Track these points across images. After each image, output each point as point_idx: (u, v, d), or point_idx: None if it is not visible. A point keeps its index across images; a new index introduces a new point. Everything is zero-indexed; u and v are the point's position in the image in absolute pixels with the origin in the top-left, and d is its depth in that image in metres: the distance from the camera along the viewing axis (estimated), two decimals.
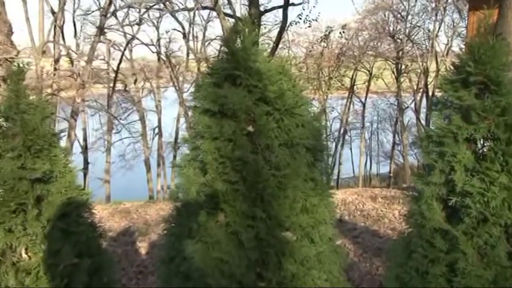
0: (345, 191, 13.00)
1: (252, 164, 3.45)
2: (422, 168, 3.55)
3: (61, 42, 19.96)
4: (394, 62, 24.58)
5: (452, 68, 3.44)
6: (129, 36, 24.61)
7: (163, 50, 25.52)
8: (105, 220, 10.42)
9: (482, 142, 3.30)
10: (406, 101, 26.52)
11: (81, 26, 25.48)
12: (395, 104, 27.08)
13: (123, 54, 24.88)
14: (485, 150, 3.27)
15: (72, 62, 20.52)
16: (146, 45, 25.08)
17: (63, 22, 19.43)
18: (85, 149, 22.94)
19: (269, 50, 4.09)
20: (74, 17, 23.04)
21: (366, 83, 26.78)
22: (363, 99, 26.96)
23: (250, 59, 3.56)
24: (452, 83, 3.37)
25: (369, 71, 26.05)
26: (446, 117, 3.46)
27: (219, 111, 3.59)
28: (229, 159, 3.50)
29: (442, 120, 3.41)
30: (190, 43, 25.11)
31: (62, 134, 4.11)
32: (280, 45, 18.42)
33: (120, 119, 26.53)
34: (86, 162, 22.06)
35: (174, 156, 24.77)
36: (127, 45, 24.95)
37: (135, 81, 26.37)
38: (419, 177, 3.46)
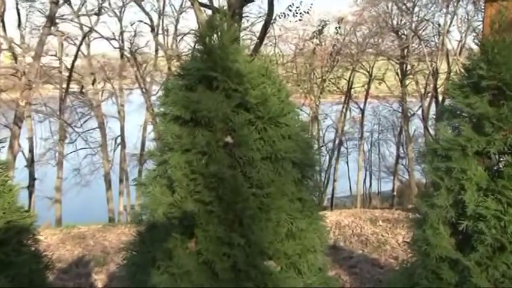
0: (340, 212, 13.07)
1: (229, 181, 3.47)
2: (428, 187, 3.61)
3: (1, 33, 19.72)
4: (398, 62, 24.79)
5: (462, 70, 3.50)
6: (86, 29, 24.47)
7: (127, 45, 25.47)
8: (54, 248, 10.28)
9: (497, 157, 3.34)
10: (412, 107, 26.74)
11: (27, 15, 25.07)
12: (400, 110, 27.30)
13: (78, 49, 24.65)
14: (501, 166, 3.31)
15: (15, 57, 20.19)
16: (107, 39, 25.00)
17: (4, 9, 19.10)
18: (31, 162, 22.57)
19: (252, 48, 4.15)
20: (17, 3, 22.68)
21: (365, 86, 26.97)
22: (362, 105, 27.13)
23: (228, 58, 3.59)
24: (462, 88, 3.42)
25: (368, 72, 26.25)
26: (454, 127, 3.51)
27: (191, 119, 3.61)
28: (202, 176, 3.51)
29: (450, 131, 3.47)
30: (160, 37, 25.12)
31: (1, 145, 4.08)
32: (265, 42, 18.57)
33: (75, 126, 26.31)
34: (32, 178, 21.72)
35: (140, 172, 24.59)
36: (83, 38, 24.75)
37: (94, 81, 26.18)
38: (424, 197, 3.50)
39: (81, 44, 24.97)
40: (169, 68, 24.22)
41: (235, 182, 3.45)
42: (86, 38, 25.29)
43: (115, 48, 26.28)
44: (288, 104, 3.88)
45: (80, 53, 25.19)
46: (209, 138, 3.54)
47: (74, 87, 26.36)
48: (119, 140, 27.24)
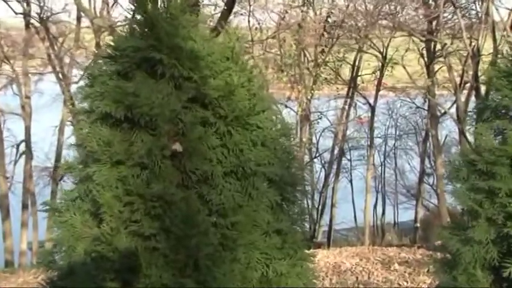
0: (339, 250, 13.11)
1: (179, 205, 3.52)
2: (461, 216, 3.71)
3: None
4: (423, 39, 24.90)
5: (510, 51, 3.59)
6: None
7: (35, 9, 25.16)
8: None
9: None
10: (442, 103, 26.80)
11: None
12: (425, 108, 27.38)
13: None
14: None
15: None
16: (5, 1, 24.71)
17: None
18: None
19: (215, 19, 4.23)
20: None
21: (377, 74, 26.97)
22: (372, 100, 27.16)
23: (179, 33, 3.64)
24: (509, 76, 3.51)
25: (381, 53, 26.24)
26: (499, 132, 3.60)
27: (126, 119, 3.66)
28: (141, 198, 3.56)
29: (492, 136, 3.57)
30: (85, 1, 24.90)
31: None
32: (234, 10, 18.60)
33: None
34: None
35: (53, 193, 24.35)
36: None
37: None
38: (455, 229, 3.59)
39: None
40: (97, 45, 24.05)
41: (187, 207, 3.50)
42: None
43: (16, 14, 25.93)
44: (262, 98, 3.95)
45: None
46: (151, 145, 3.60)
47: None
48: (22, 148, 26.90)
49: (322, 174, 27.99)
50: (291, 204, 3.93)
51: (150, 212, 3.58)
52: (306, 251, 4.03)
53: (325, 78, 26.10)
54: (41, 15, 26.35)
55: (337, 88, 28.30)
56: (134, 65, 3.73)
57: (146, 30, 3.73)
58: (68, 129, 26.17)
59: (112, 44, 3.94)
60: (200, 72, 3.68)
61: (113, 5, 26.94)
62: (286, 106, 23.64)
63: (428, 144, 29.26)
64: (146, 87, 3.65)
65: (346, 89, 27.94)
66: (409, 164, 32.98)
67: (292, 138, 4.24)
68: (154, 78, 3.70)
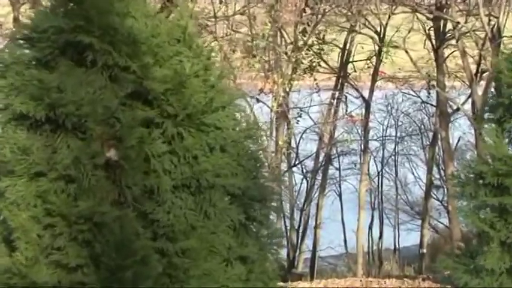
0: (325, 283, 13.17)
1: (112, 228, 3.52)
2: (469, 239, 3.76)
3: None
4: (430, 17, 24.93)
5: None
6: None
7: None
8: None
9: None
10: (455, 96, 26.84)
11: None
12: (433, 103, 27.39)
13: None
14: None
15: None
16: None
17: None
18: None
19: None
20: None
21: (372, 60, 26.96)
22: (366, 94, 27.05)
23: (114, 10, 3.65)
24: None
25: (378, 34, 26.27)
26: None
27: (47, 120, 3.66)
28: (65, 220, 3.55)
29: (505, 141, 3.63)
30: None
31: None
32: None
33: None
34: None
35: None
36: None
37: None
38: (461, 257, 3.65)
39: None
40: (15, 21, 23.89)
41: (122, 230, 3.51)
42: None
43: None
44: (223, 91, 3.96)
45: None
46: (79, 152, 3.60)
47: None
48: None
49: (304, 187, 27.82)
50: (259, 224, 3.94)
51: (76, 237, 3.57)
52: (281, 284, 4.05)
53: (308, 66, 25.98)
54: None
55: (324, 78, 28.23)
56: (57, 50, 3.72)
57: (72, 5, 3.72)
58: None
59: (30, 23, 3.90)
60: (141, 60, 3.68)
61: None
62: (258, 100, 23.35)
63: (437, 149, 29.27)
64: (73, 79, 3.65)
65: (334, 79, 27.95)
66: (413, 173, 32.65)
67: (260, 141, 4.23)
68: (82, 67, 3.70)
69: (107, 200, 3.61)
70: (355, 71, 27.70)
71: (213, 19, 21.97)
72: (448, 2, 24.63)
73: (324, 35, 25.61)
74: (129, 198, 3.64)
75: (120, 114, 3.67)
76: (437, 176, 29.24)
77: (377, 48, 26.83)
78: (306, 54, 25.36)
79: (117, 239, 3.52)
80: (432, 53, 26.19)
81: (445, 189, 27.43)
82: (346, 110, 28.79)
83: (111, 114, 3.66)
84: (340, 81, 26.87)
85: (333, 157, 28.98)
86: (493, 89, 20.28)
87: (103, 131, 3.66)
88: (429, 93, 27.47)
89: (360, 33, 26.67)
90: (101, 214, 3.53)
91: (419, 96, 29.28)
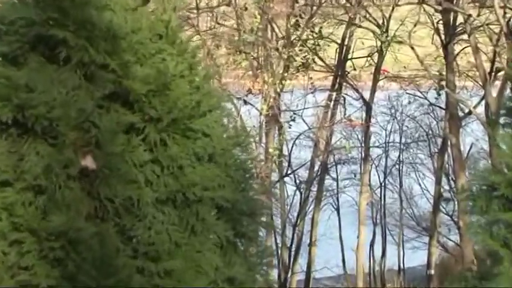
0: None
1: (89, 245, 3.53)
2: (481, 259, 3.80)
3: None
4: (438, 9, 24.96)
5: None
6: None
7: None
8: None
9: None
10: (467, 98, 26.85)
11: None
12: (442, 105, 27.44)
13: None
14: None
15: None
16: None
17: None
18: None
19: None
20: None
21: (373, 57, 27.04)
22: (367, 95, 27.06)
23: (90, 1, 3.66)
24: None
25: (380, 27, 26.40)
26: None
27: (15, 123, 3.67)
28: (34, 235, 3.55)
29: None
30: None
31: None
32: None
33: None
34: None
35: None
36: None
37: None
38: (468, 280, 3.68)
39: None
40: None
41: (101, 247, 3.52)
42: None
43: None
44: (210, 93, 3.99)
45: None
46: (50, 160, 3.61)
47: None
48: None
49: (297, 200, 27.78)
50: (248, 241, 3.95)
51: (47, 255, 3.57)
52: None
53: (302, 63, 25.81)
54: None
55: (320, 77, 28.13)
56: (27, 45, 3.73)
57: None
58: None
59: None
60: (121, 58, 3.69)
61: None
62: (245, 102, 23.25)
63: (446, 157, 29.28)
64: (44, 77, 3.65)
65: (331, 79, 27.94)
66: (419, 185, 32.59)
67: (249, 149, 4.24)
68: (55, 65, 3.71)
69: (82, 213, 3.60)
70: (354, 69, 27.76)
71: (195, 10, 21.99)
72: None
73: (321, 28, 25.61)
74: (107, 213, 3.64)
75: (96, 118, 3.67)
76: (447, 188, 29.28)
77: (379, 43, 26.97)
78: (300, 50, 25.35)
79: (97, 256, 3.52)
80: (441, 50, 26.29)
81: (456, 203, 27.50)
82: (345, 113, 28.89)
83: (86, 117, 3.66)
84: (337, 80, 26.94)
85: (329, 166, 29.05)
86: (508, 90, 20.24)
87: (77, 137, 3.65)
88: (438, 95, 27.48)
89: (360, 26, 26.81)
90: (77, 230, 3.53)
91: (426, 98, 29.36)
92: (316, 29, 25.20)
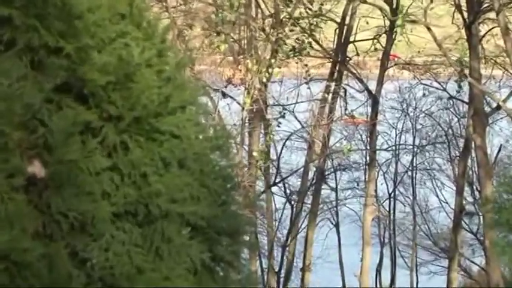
0: None
1: (36, 269, 3.55)
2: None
3: None
4: None
5: None
6: None
7: None
8: None
9: None
10: (495, 90, 26.84)
11: None
12: (464, 98, 27.46)
13: None
14: None
15: None
16: None
17: None
18: None
19: None
20: None
21: (381, 40, 27.03)
22: (373, 86, 26.98)
23: None
24: None
25: (389, 3, 26.35)
26: None
27: None
28: None
29: None
30: None
31: None
32: None
33: None
34: None
35: None
36: None
37: None
38: None
39: None
40: None
41: (50, 271, 3.55)
42: None
43: None
44: (183, 86, 4.03)
45: None
46: None
47: None
48: None
49: (288, 214, 27.76)
50: (228, 266, 3.99)
51: None
52: None
53: (294, 47, 25.68)
54: None
55: (316, 64, 28.16)
56: None
57: None
58: None
59: None
60: (77, 41, 3.70)
61: None
62: (224, 95, 23.16)
63: (470, 162, 29.27)
64: None
65: (329, 66, 27.98)
66: (436, 196, 32.55)
67: (231, 154, 4.27)
68: None
69: (27, 231, 3.60)
70: (357, 54, 27.79)
71: None
72: None
73: (321, 4, 25.53)
74: (57, 230, 3.65)
75: (45, 116, 3.67)
76: (470, 200, 29.26)
77: (388, 23, 27.02)
78: (291, 31, 25.31)
79: (43, 283, 3.55)
80: (463, 30, 26.35)
81: (481, 217, 27.45)
82: (346, 109, 28.94)
83: (33, 114, 3.67)
84: (337, 68, 26.98)
85: (327, 173, 29.06)
86: None
87: (22, 138, 3.66)
88: (460, 86, 27.50)
89: (365, 2, 26.82)
90: (22, 251, 3.55)
91: (445, 90, 29.34)
92: (312, 6, 25.08)
